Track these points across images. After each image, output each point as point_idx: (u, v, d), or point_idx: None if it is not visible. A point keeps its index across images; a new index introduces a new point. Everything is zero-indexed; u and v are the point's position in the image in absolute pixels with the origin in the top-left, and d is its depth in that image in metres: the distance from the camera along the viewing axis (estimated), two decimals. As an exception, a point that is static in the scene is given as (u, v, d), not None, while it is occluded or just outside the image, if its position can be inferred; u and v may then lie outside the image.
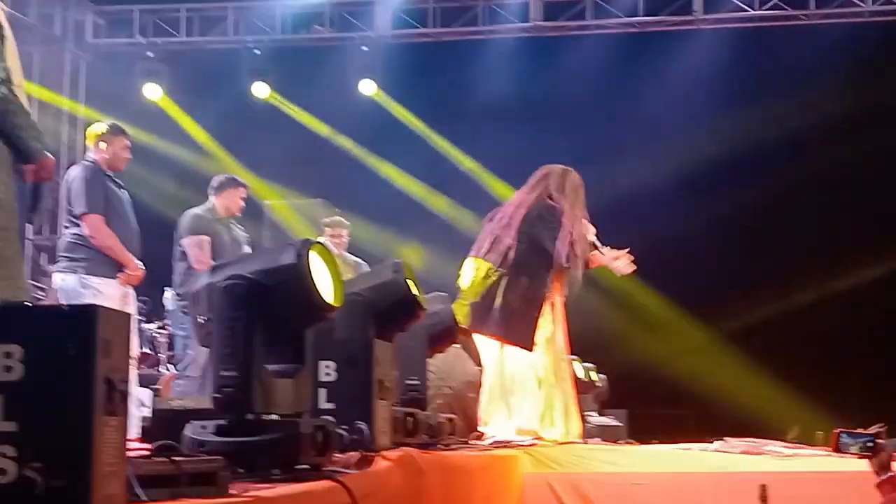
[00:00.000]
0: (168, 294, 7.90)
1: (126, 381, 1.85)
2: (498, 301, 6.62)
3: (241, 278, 2.79)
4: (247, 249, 7.70)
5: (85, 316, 1.77)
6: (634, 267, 7.08)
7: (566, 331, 6.98)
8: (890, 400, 9.60)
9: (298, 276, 2.83)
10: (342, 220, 9.30)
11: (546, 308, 6.74)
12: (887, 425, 4.39)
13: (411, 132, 12.66)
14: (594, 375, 9.74)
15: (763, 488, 4.70)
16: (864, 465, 4.41)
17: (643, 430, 8.86)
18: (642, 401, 11.18)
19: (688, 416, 11.25)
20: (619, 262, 7.03)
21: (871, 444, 4.25)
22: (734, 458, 5.87)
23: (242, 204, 7.87)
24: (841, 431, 4.30)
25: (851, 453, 4.32)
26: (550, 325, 6.76)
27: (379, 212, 12.04)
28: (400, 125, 12.71)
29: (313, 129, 12.62)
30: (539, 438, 6.54)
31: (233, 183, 7.93)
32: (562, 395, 6.77)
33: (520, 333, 6.64)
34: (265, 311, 2.80)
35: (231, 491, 2.37)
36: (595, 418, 9.30)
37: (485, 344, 6.69)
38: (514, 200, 7.02)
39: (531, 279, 6.71)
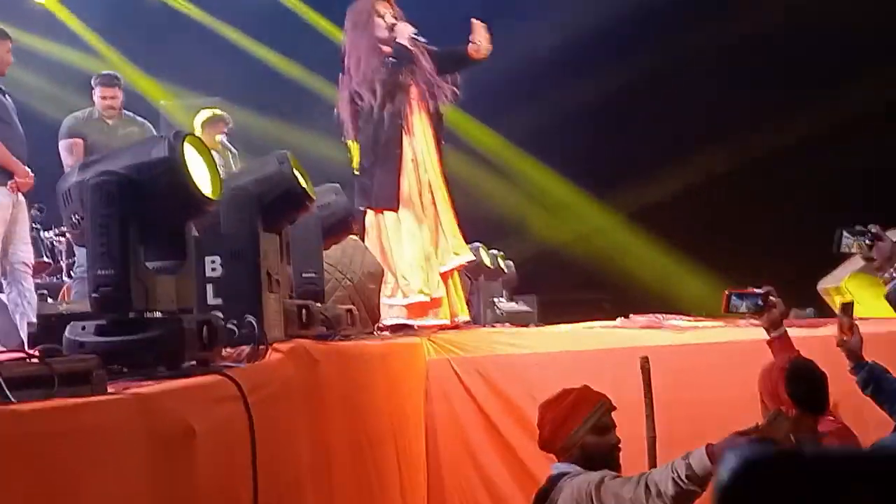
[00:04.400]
0: None
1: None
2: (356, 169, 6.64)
3: (112, 174, 2.71)
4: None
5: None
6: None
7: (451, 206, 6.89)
8: (792, 267, 9.75)
9: (172, 169, 2.74)
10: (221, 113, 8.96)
11: (405, 142, 6.65)
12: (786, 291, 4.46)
13: (305, 23, 12.40)
14: (501, 262, 9.79)
15: (644, 360, 4.79)
16: (749, 335, 4.51)
17: (557, 314, 8.90)
18: (553, 286, 11.26)
19: (601, 298, 11.32)
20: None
21: (760, 304, 4.33)
22: (633, 334, 5.99)
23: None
24: (731, 293, 4.36)
25: (741, 313, 4.40)
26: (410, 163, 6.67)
27: (274, 106, 11.86)
28: (294, 16, 12.45)
29: (208, 25, 12.30)
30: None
31: None
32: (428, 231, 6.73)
33: (381, 193, 6.58)
34: (139, 208, 2.72)
35: (109, 390, 2.33)
36: (504, 304, 9.40)
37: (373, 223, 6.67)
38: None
39: (365, 124, 6.63)
